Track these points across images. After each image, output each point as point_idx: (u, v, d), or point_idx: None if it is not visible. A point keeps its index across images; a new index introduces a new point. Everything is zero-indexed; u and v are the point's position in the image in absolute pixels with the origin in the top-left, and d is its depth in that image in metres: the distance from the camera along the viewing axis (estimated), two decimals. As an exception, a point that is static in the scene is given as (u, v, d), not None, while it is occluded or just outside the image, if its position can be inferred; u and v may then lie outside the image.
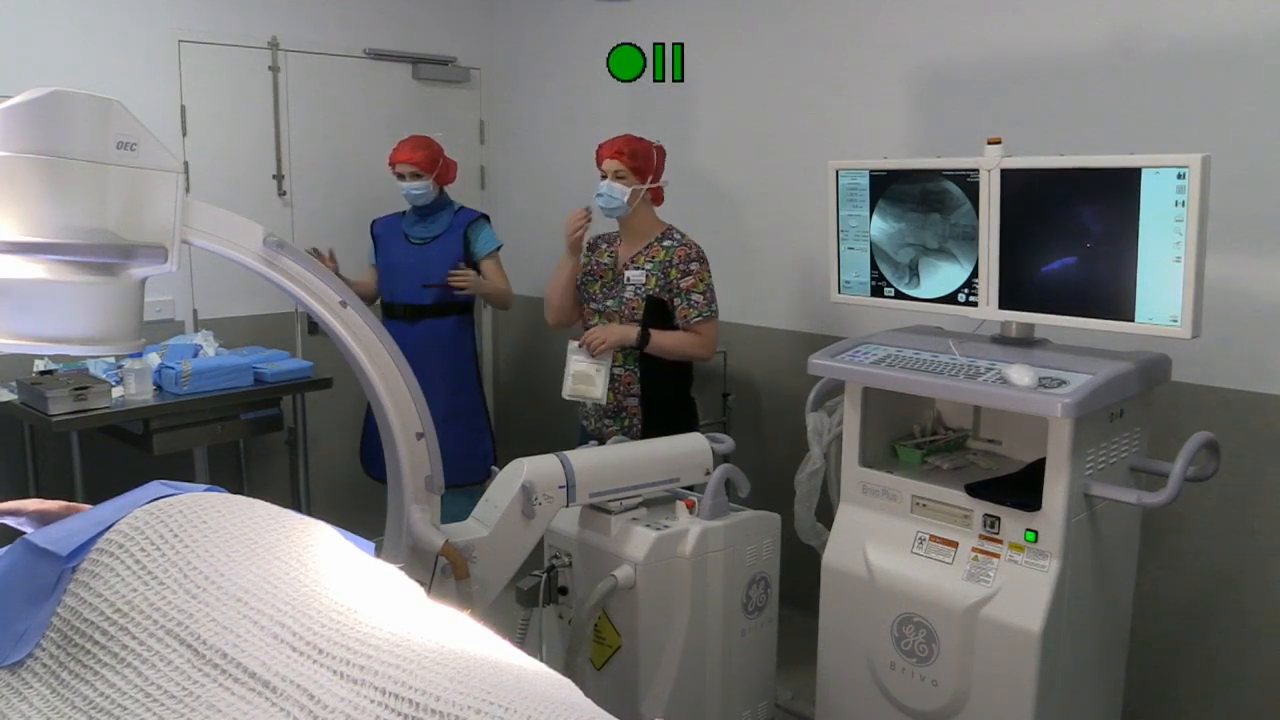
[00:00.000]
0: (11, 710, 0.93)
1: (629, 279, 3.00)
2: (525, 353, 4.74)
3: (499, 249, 3.69)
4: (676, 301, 2.98)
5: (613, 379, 2.98)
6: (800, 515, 2.61)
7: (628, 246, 3.07)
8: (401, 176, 3.58)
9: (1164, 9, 2.60)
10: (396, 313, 3.61)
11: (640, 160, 2.97)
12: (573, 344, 3.00)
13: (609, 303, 3.04)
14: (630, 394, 3.03)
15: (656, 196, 3.08)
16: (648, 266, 2.99)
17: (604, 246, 3.16)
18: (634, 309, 2.98)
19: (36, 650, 0.97)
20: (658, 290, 2.97)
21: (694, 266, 2.99)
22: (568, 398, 3.01)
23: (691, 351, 3.02)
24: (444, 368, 3.57)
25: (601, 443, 2.82)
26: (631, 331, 2.94)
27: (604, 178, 2.99)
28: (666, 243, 3.02)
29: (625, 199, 2.95)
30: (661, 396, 3.03)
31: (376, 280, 3.73)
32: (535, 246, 4.32)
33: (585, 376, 2.97)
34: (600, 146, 3.03)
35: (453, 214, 3.69)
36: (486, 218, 3.74)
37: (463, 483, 3.16)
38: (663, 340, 2.96)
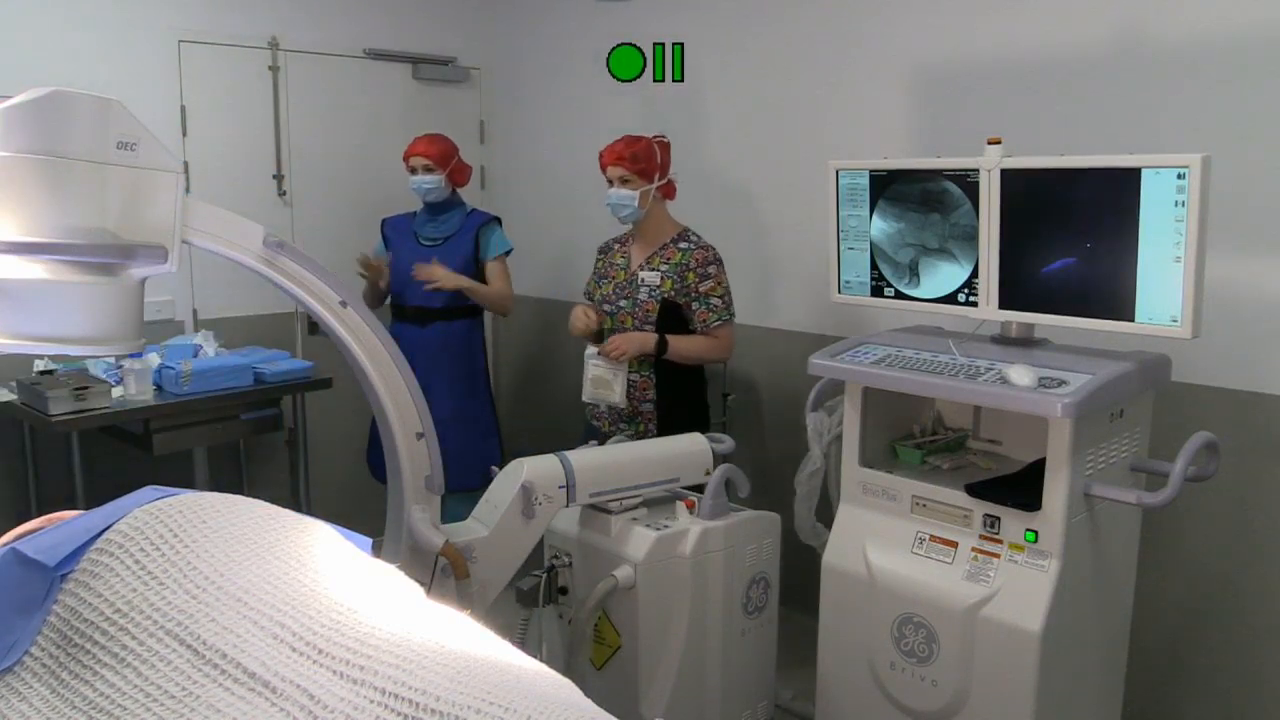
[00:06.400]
0: (11, 710, 0.93)
1: (643, 280, 2.99)
2: (526, 355, 4.73)
3: (508, 253, 3.62)
4: (695, 305, 2.96)
5: (629, 384, 2.97)
6: (800, 515, 2.61)
7: (641, 248, 3.05)
8: (414, 170, 3.54)
9: (1164, 9, 2.59)
10: (406, 315, 3.56)
11: (642, 161, 2.93)
12: (590, 349, 3.00)
13: (621, 303, 3.02)
14: (645, 399, 3.01)
15: (668, 192, 3.04)
16: (663, 268, 2.97)
17: (616, 248, 3.15)
18: (648, 311, 2.97)
19: (35, 650, 0.97)
20: (673, 294, 2.95)
21: (712, 269, 2.98)
22: (587, 400, 3.05)
23: (709, 356, 3.04)
24: (457, 371, 3.54)
25: (602, 443, 2.82)
26: (650, 340, 2.92)
27: (610, 184, 2.97)
28: (683, 245, 3.01)
29: (635, 203, 2.93)
30: (677, 401, 3.02)
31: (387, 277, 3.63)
32: (536, 247, 4.32)
33: (603, 381, 2.99)
34: (601, 153, 2.99)
35: (464, 215, 3.63)
36: (499, 220, 3.69)
37: (473, 488, 3.07)
38: (681, 346, 2.95)
